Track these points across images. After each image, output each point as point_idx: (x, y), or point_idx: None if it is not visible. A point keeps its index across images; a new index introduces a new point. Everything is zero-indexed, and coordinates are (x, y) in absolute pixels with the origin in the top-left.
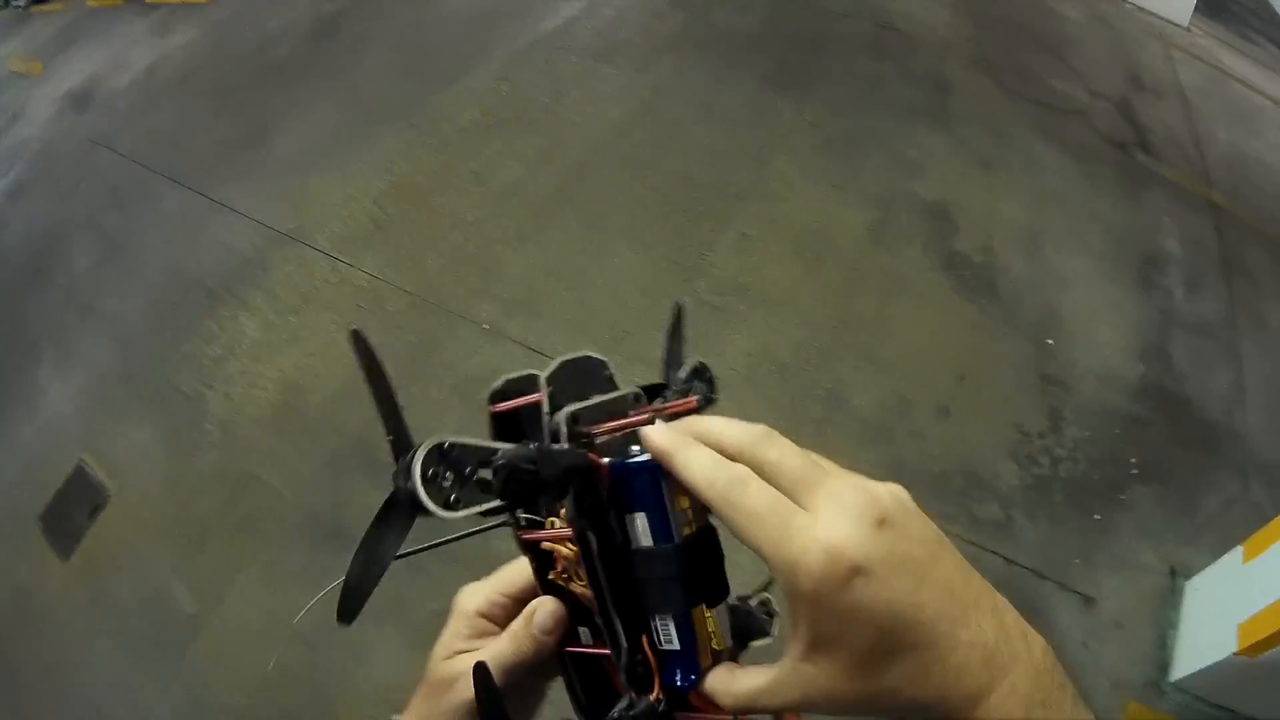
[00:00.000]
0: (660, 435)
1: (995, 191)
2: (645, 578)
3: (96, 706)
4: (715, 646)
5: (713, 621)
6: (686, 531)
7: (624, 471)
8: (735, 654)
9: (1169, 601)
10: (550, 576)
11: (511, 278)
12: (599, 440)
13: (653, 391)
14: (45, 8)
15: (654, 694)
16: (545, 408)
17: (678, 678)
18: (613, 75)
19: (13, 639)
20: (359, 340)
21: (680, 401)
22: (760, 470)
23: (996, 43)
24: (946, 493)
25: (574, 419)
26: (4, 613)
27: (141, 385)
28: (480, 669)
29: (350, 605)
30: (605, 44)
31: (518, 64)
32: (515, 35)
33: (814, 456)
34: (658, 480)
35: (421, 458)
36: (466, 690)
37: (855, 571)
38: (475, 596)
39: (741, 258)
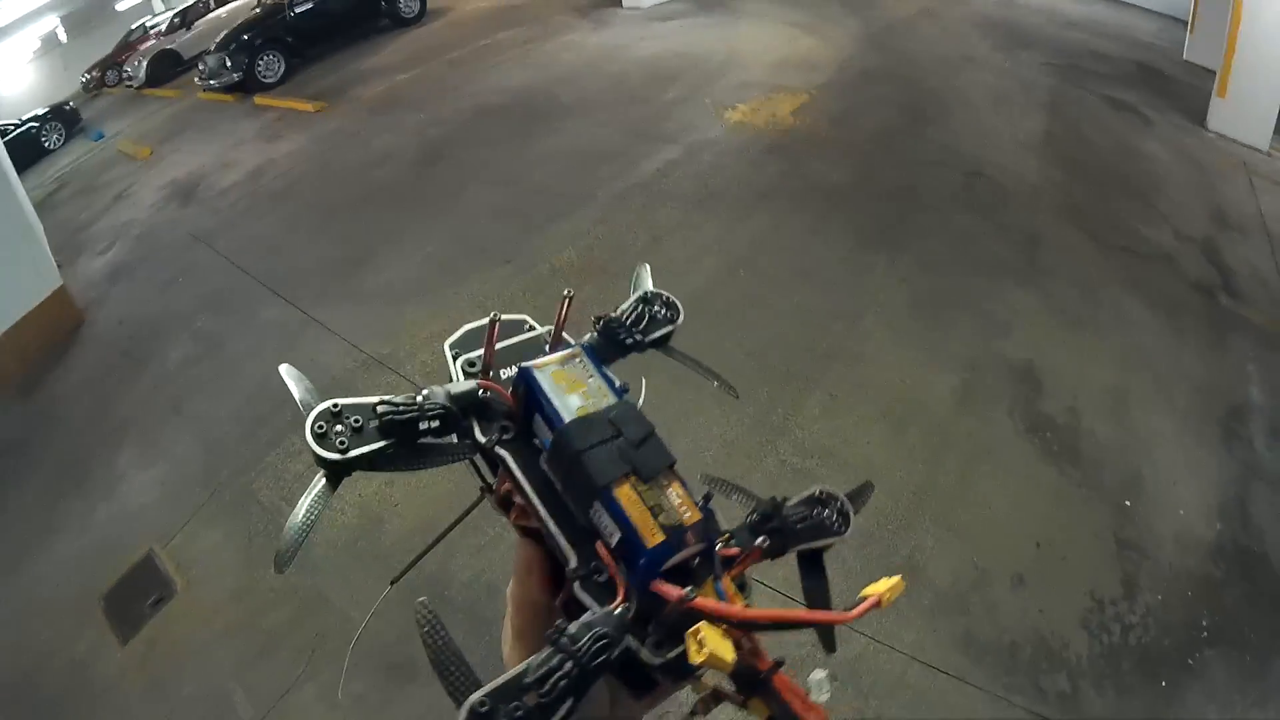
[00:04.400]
0: None
1: (1083, 350)
2: (563, 475)
3: None
4: (670, 522)
5: (650, 496)
6: (582, 413)
7: (515, 384)
8: (774, 546)
9: None
10: (514, 520)
11: None
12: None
13: (608, 326)
14: (158, 92)
15: (618, 601)
16: (449, 360)
17: (635, 567)
18: (709, 225)
19: (67, 711)
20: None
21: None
22: None
23: (1084, 188)
24: (1015, 664)
25: (469, 363)
26: (61, 683)
27: (221, 489)
28: (421, 608)
29: (286, 556)
30: (702, 192)
31: (615, 208)
32: (614, 178)
33: None
34: (532, 376)
35: (312, 419)
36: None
37: None
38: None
39: (827, 420)
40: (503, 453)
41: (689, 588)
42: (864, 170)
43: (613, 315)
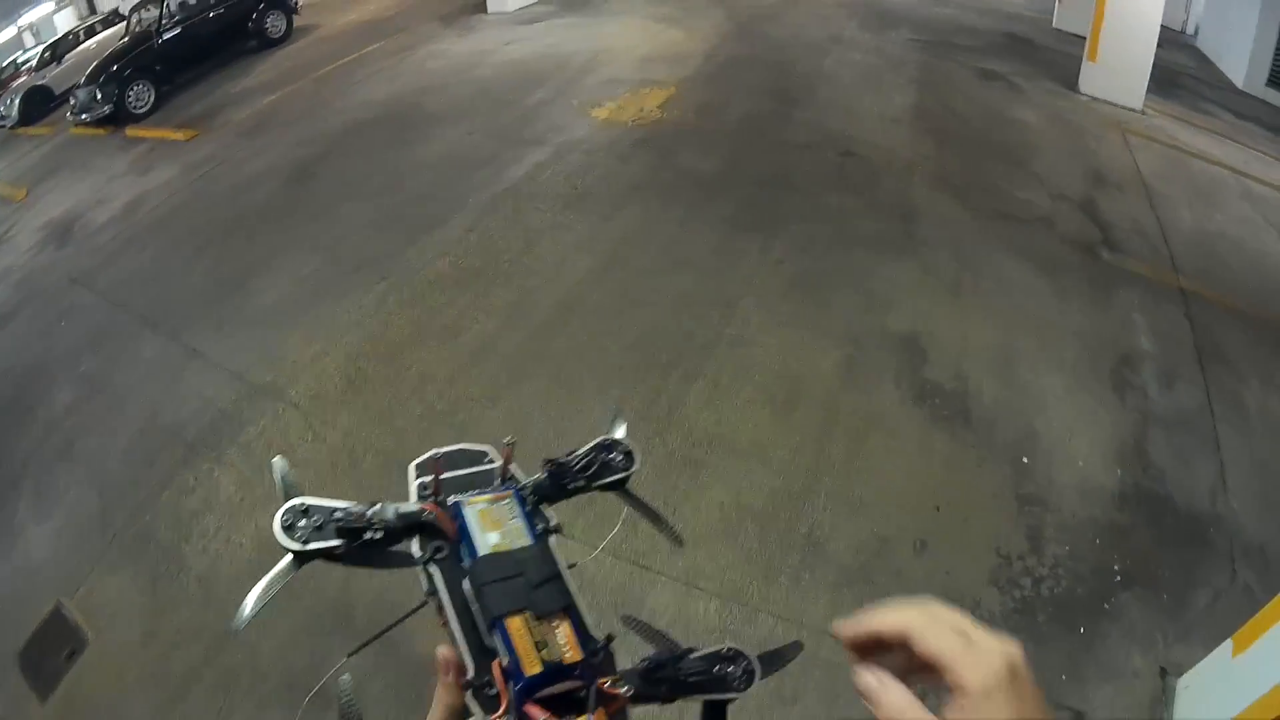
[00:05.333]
0: (867, 684)
1: (965, 316)
2: (474, 600)
3: None
4: (550, 658)
5: (539, 631)
6: (496, 549)
7: (452, 514)
8: (653, 692)
9: (1161, 703)
10: (442, 625)
11: (483, 438)
12: (446, 497)
13: (556, 469)
14: (31, 130)
15: (499, 713)
16: (411, 479)
17: (518, 687)
18: (580, 224)
19: None
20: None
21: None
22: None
23: (957, 159)
24: None
25: (423, 486)
26: None
27: (120, 533)
28: (345, 684)
29: (243, 620)
30: (572, 192)
31: (487, 214)
32: (485, 184)
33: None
34: (460, 510)
35: (281, 513)
36: None
37: (1019, 674)
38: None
39: (712, 408)
40: (432, 570)
41: (546, 715)
42: (734, 158)
43: (562, 460)
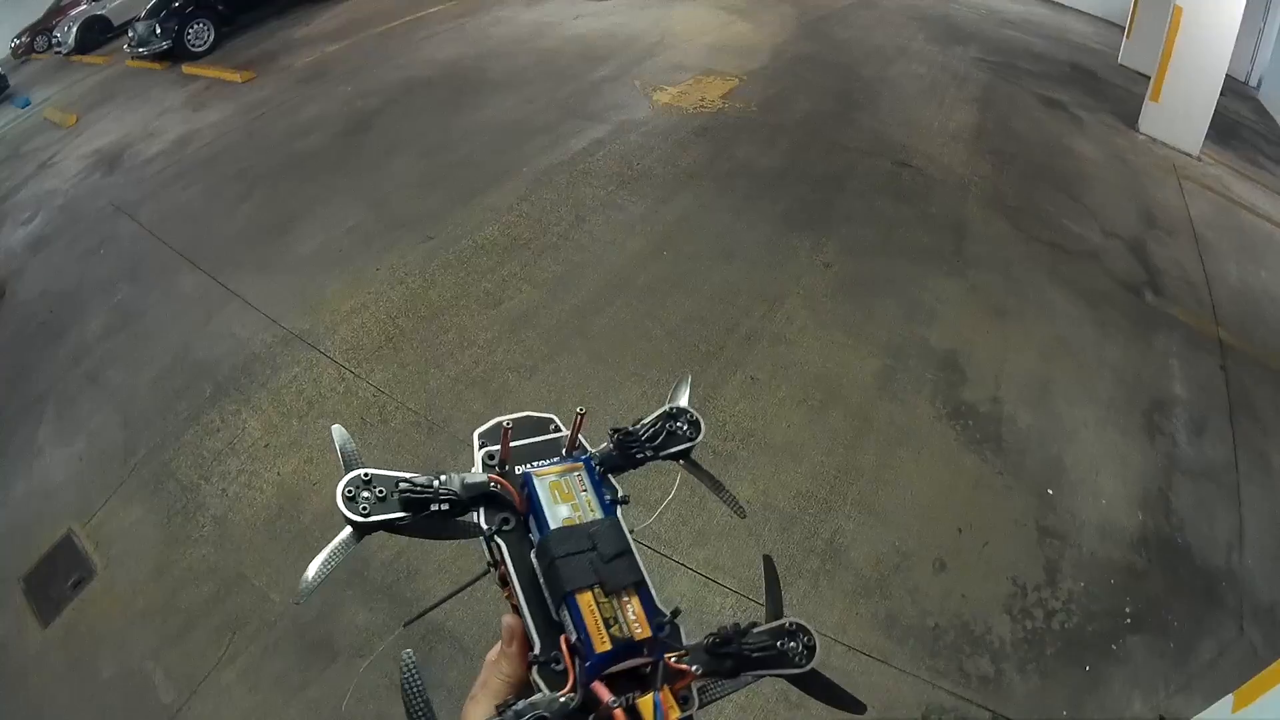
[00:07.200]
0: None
1: (1007, 339)
2: (543, 573)
3: None
4: (620, 634)
5: (608, 608)
6: (567, 522)
7: (520, 484)
8: (723, 667)
9: None
10: (507, 597)
11: (516, 407)
12: (512, 468)
13: (623, 439)
14: (87, 59)
15: (565, 689)
16: (475, 448)
17: (586, 664)
18: (633, 204)
19: None
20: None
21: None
22: None
23: (1013, 182)
24: (938, 647)
25: (489, 455)
26: None
27: (140, 466)
28: (407, 658)
29: (305, 593)
30: (629, 171)
31: (540, 184)
32: (540, 154)
33: None
34: (531, 482)
35: (344, 484)
36: None
37: None
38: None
39: (748, 402)
40: (499, 541)
41: (619, 697)
42: (792, 155)
43: (630, 429)
